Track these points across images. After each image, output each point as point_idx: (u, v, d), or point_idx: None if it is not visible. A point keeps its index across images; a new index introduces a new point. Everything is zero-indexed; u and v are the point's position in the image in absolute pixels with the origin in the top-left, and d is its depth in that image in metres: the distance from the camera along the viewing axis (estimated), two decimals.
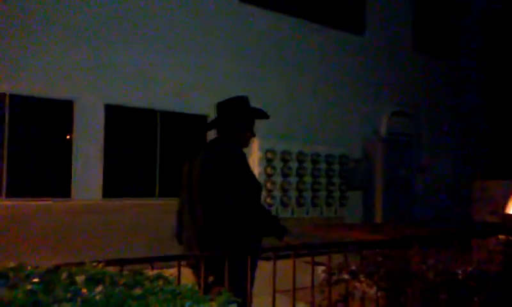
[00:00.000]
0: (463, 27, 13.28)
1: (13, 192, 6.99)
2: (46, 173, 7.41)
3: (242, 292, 2.49)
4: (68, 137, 7.52)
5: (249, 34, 9.46)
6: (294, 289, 2.72)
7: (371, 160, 10.82)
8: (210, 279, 2.60)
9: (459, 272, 2.41)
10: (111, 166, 7.84)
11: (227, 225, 2.69)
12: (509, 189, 8.62)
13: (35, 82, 7.20)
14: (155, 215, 8.00)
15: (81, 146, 7.55)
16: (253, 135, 3.02)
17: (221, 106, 3.03)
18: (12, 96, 7.02)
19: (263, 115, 3.04)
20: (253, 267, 2.73)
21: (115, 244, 7.25)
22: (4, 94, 6.97)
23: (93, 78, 7.70)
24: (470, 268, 2.42)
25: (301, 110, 9.81)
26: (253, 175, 2.88)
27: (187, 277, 2.75)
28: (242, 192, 2.69)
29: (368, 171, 10.78)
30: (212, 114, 9.01)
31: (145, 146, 8.26)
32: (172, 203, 8.48)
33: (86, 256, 2.37)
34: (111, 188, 7.79)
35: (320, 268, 2.49)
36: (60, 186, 7.44)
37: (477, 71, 13.48)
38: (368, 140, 10.97)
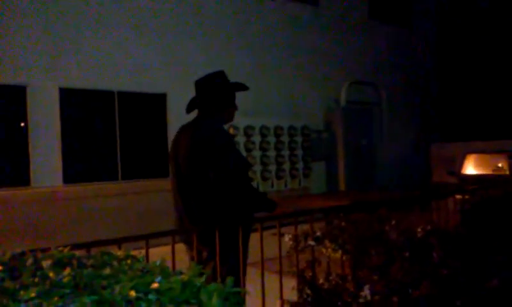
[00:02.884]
0: None
1: None
2: (3, 162, 7.16)
3: (235, 264, 2.58)
4: (22, 124, 7.27)
5: (206, 11, 9.32)
6: (263, 259, 2.78)
7: (332, 130, 10.99)
8: (204, 254, 2.64)
9: (419, 230, 2.51)
10: (70, 151, 7.66)
11: (216, 201, 2.74)
12: (465, 151, 8.97)
13: None
14: (119, 199, 7.92)
15: (38, 133, 7.33)
16: (236, 108, 3.03)
17: (200, 83, 3.00)
18: None
19: (242, 87, 3.06)
20: (246, 239, 2.78)
21: (79, 230, 7.14)
22: None
23: (46, 62, 7.43)
24: (429, 227, 2.52)
25: (261, 84, 9.80)
26: (239, 152, 2.93)
27: (182, 252, 2.76)
28: (229, 168, 2.71)
29: (330, 141, 10.95)
30: (171, 93, 8.93)
31: (104, 129, 8.09)
32: (136, 185, 8.45)
33: (50, 244, 2.34)
34: (71, 174, 7.63)
35: (286, 236, 2.55)
36: (18, 175, 7.22)
37: (430, 38, 13.79)
38: (328, 110, 11.12)
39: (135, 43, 8.36)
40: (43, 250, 1.87)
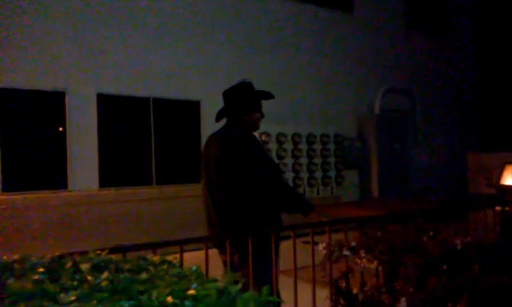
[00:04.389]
0: (454, 3, 13.22)
1: (10, 186, 6.97)
2: (42, 165, 7.38)
3: (267, 270, 2.61)
4: (61, 129, 7.48)
5: (240, 18, 9.38)
6: (296, 267, 2.76)
7: (365, 137, 10.85)
8: (235, 258, 2.69)
9: (458, 242, 2.44)
10: (107, 156, 7.83)
11: (246, 206, 2.82)
12: (503, 161, 8.70)
13: (26, 74, 7.14)
14: (153, 203, 8.03)
15: (75, 137, 7.52)
16: (263, 115, 3.14)
17: (227, 94, 3.14)
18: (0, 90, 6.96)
19: (268, 96, 3.15)
20: (276, 245, 2.81)
21: (114, 234, 7.27)
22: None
23: (84, 68, 7.64)
24: (468, 239, 2.45)
25: (294, 91, 9.79)
26: (269, 157, 3.06)
27: (213, 259, 2.79)
28: (258, 171, 2.81)
29: (363, 148, 10.81)
30: (204, 99, 9.02)
31: (140, 134, 8.24)
32: (169, 190, 8.55)
33: (86, 247, 2.39)
34: (107, 178, 7.79)
35: (321, 245, 2.52)
36: (56, 178, 7.42)
37: (468, 47, 13.47)
38: (362, 118, 10.98)
39: (169, 49, 8.49)
40: (81, 253, 1.92)
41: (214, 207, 2.92)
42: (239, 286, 1.35)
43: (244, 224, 2.80)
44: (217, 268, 2.63)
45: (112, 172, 7.91)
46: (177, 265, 1.78)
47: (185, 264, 2.41)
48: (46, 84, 7.31)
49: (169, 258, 1.90)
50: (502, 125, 12.86)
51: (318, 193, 9.93)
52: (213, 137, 3.08)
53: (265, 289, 1.34)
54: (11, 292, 1.24)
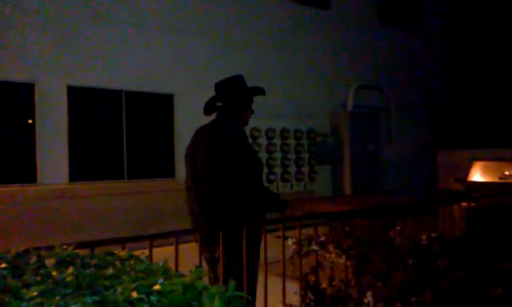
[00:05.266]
0: None
1: None
2: (10, 158, 7.21)
3: (248, 265, 2.64)
4: (30, 121, 7.31)
5: (213, 12, 9.33)
6: (266, 262, 2.78)
7: (339, 133, 10.97)
8: (217, 253, 2.70)
9: (424, 237, 2.50)
10: (77, 149, 7.69)
11: (229, 200, 2.82)
12: (473, 158, 8.92)
13: None
14: (125, 198, 7.95)
15: (45, 130, 7.36)
16: (252, 112, 3.15)
17: (220, 87, 3.11)
18: None
19: (260, 91, 3.17)
20: (257, 240, 2.84)
21: (84, 228, 7.18)
22: None
23: (55, 60, 7.47)
24: (433, 234, 2.51)
25: (267, 86, 9.75)
26: (253, 153, 3.07)
27: (189, 253, 2.78)
28: (241, 168, 2.82)
29: (336, 145, 10.93)
30: (178, 93, 8.95)
31: (111, 128, 8.12)
32: (141, 185, 8.47)
33: (56, 241, 2.35)
34: (77, 172, 7.66)
35: (290, 241, 2.55)
36: (25, 171, 7.26)
37: (440, 43, 13.74)
38: (335, 114, 11.09)
39: (143, 42, 8.38)
40: (48, 248, 1.89)
41: (198, 201, 2.91)
42: (205, 281, 1.35)
43: (226, 218, 2.81)
44: (191, 263, 2.62)
45: (83, 166, 7.78)
46: (144, 260, 1.77)
47: (158, 259, 2.40)
48: (14, 74, 7.12)
49: (138, 253, 1.89)
50: (472, 122, 13.19)
51: (291, 188, 9.99)
52: (203, 131, 3.05)
53: (232, 283, 1.35)
54: None
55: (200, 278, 1.38)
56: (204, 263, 2.80)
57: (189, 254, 2.93)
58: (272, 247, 2.89)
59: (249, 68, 9.41)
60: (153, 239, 2.40)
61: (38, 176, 7.30)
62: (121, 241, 2.27)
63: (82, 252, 1.79)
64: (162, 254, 2.92)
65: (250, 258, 2.70)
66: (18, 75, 7.15)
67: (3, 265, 1.44)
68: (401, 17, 12.80)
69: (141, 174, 8.41)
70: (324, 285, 2.57)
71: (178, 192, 8.49)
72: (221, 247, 2.63)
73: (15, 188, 7.05)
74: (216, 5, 9.36)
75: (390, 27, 12.41)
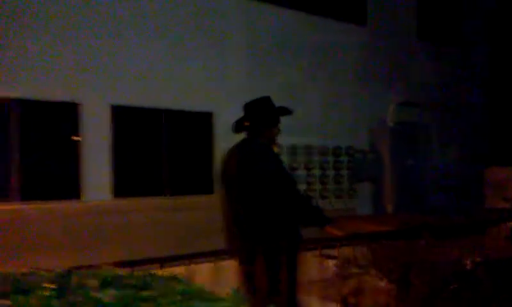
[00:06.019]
0: (467, 14, 13.14)
1: (24, 195, 7.06)
2: (55, 175, 7.45)
3: (283, 282, 2.65)
4: (75, 139, 7.56)
5: (251, 30, 9.43)
6: (306, 283, 2.74)
7: (379, 150, 10.79)
8: (256, 269, 2.73)
9: (468, 262, 2.41)
10: (120, 166, 7.88)
11: (265, 216, 2.85)
12: None
13: (38, 85, 7.23)
14: (165, 214, 8.06)
15: (89, 148, 7.59)
16: (279, 131, 3.28)
17: (249, 107, 3.27)
18: (15, 101, 7.05)
19: (287, 112, 3.30)
20: (296, 257, 2.85)
21: (126, 244, 7.30)
22: (7, 99, 6.99)
23: (98, 79, 7.72)
24: (478, 259, 2.41)
25: (306, 104, 9.77)
26: (286, 170, 3.15)
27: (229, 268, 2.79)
28: (278, 183, 2.90)
29: (376, 161, 10.75)
30: (216, 111, 9.07)
31: (152, 145, 8.29)
32: (181, 201, 8.57)
33: (99, 257, 2.41)
34: (121, 188, 7.84)
35: (330, 262, 2.51)
36: (69, 188, 7.49)
37: (481, 58, 13.35)
38: (375, 131, 10.93)
39: (183, 61, 8.55)
40: (89, 267, 1.93)
41: (234, 219, 2.97)
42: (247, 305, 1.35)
43: (263, 235, 2.83)
44: (230, 279, 2.62)
45: (126, 182, 7.96)
46: (184, 281, 1.79)
47: (196, 275, 2.42)
48: (60, 95, 7.40)
49: (179, 269, 1.90)
50: None
51: (331, 205, 9.87)
52: (233, 150, 3.17)
53: None
54: None
55: (240, 301, 1.38)
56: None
57: (229, 270, 2.93)
58: (312, 267, 2.85)
59: (286, 85, 9.46)
60: (192, 259, 2.42)
61: (82, 192, 7.51)
62: (161, 261, 2.30)
63: (123, 271, 1.82)
64: (202, 270, 2.94)
65: (289, 275, 2.70)
66: (62, 94, 7.42)
67: (48, 285, 1.48)
68: (441, 33, 12.54)
69: (181, 191, 8.52)
70: None
71: (217, 208, 8.60)
72: (260, 265, 2.63)
73: (59, 204, 7.27)
74: (253, 23, 9.46)
75: (429, 43, 12.18)
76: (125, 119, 8.01)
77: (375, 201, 10.83)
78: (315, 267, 2.88)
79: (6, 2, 7.05)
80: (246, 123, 3.19)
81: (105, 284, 1.60)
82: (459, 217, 5.85)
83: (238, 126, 3.25)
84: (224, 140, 8.68)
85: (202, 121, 8.83)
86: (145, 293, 1.47)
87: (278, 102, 3.62)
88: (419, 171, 11.12)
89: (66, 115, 7.53)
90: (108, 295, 1.43)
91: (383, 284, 2.52)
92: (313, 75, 10.09)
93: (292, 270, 2.79)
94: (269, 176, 2.90)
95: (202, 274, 2.56)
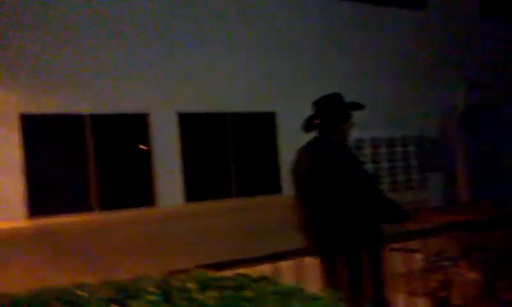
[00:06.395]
0: None
1: (103, 205, 7.43)
2: (130, 184, 7.80)
3: (367, 279, 2.62)
4: (146, 148, 7.87)
5: (307, 24, 9.37)
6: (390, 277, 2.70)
7: (449, 137, 10.37)
8: (336, 267, 2.69)
9: None
10: (190, 171, 8.12)
11: (343, 214, 2.83)
12: None
13: (111, 100, 7.59)
14: (234, 215, 8.19)
15: (160, 156, 7.88)
16: (352, 126, 3.21)
17: (319, 104, 3.19)
18: (91, 116, 7.44)
19: (358, 106, 3.24)
20: (379, 253, 2.82)
21: (200, 248, 7.49)
22: (84, 115, 7.40)
23: (164, 90, 7.99)
24: None
25: (370, 94, 9.57)
26: (359, 164, 3.09)
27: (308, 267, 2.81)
28: (357, 183, 2.85)
29: (448, 149, 10.33)
30: (279, 111, 9.07)
31: (219, 149, 8.46)
32: (250, 202, 8.66)
33: (177, 262, 2.50)
34: (192, 193, 8.07)
35: (416, 256, 2.45)
36: (144, 195, 7.80)
37: None
38: (444, 117, 10.50)
39: (244, 64, 8.66)
40: (183, 271, 2.01)
41: (310, 218, 2.95)
42: (341, 305, 1.35)
43: (341, 233, 2.81)
44: (311, 279, 2.62)
45: (197, 186, 8.19)
46: (275, 281, 1.82)
47: (279, 276, 2.45)
48: (129, 107, 7.73)
49: (260, 269, 1.94)
50: None
51: (402, 197, 9.62)
52: (305, 149, 3.13)
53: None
54: None
55: (336, 300, 1.38)
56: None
57: (311, 267, 2.92)
58: (395, 261, 2.80)
59: (347, 78, 9.28)
60: (276, 259, 2.45)
61: (156, 199, 7.81)
62: (246, 262, 2.35)
63: (215, 274, 1.88)
64: (284, 269, 2.97)
65: (374, 272, 2.66)
66: (133, 107, 7.74)
67: (154, 290, 1.56)
68: (505, 9, 11.83)
69: (249, 192, 8.64)
70: (455, 302, 2.44)
71: (285, 207, 8.61)
72: (340, 263, 2.61)
73: (135, 211, 7.60)
74: (308, 22, 9.40)
75: (494, 20, 11.53)
76: (191, 125, 8.23)
77: (448, 191, 10.41)
78: (398, 261, 2.83)
79: (74, 27, 7.46)
80: (317, 121, 3.13)
81: (204, 286, 1.66)
82: None
83: (308, 125, 3.19)
84: (288, 139, 8.78)
85: (266, 122, 8.90)
86: (246, 294, 1.51)
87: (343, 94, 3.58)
88: (495, 156, 10.57)
89: (136, 126, 7.86)
90: (211, 297, 1.48)
91: (472, 276, 2.44)
92: (375, 66, 9.87)
93: (376, 266, 2.74)
94: (345, 175, 2.85)
95: (284, 273, 2.59)
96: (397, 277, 2.84)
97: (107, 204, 7.46)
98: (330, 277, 2.84)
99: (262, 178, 8.84)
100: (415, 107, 10.17)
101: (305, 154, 3.08)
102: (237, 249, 6.96)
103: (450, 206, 8.59)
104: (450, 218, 3.90)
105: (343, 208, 2.84)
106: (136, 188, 7.86)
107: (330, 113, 3.13)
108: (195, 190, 8.15)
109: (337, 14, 9.70)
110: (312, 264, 2.78)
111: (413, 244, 2.94)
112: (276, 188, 8.88)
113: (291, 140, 9.14)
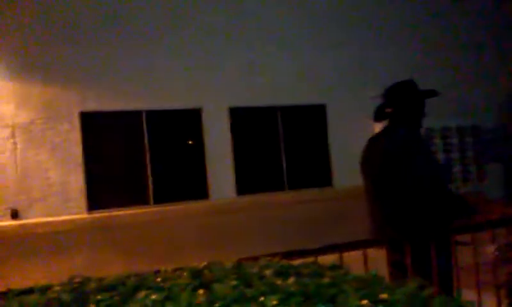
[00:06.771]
0: None
1: (159, 198, 7.63)
2: (184, 178, 7.95)
3: (445, 271, 2.56)
4: (200, 142, 8.00)
5: (357, 21, 9.22)
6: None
7: (508, 127, 9.94)
8: (404, 259, 2.65)
9: None
10: (241, 165, 8.20)
11: (410, 207, 2.74)
12: None
13: (167, 96, 7.78)
14: (286, 208, 8.20)
15: (213, 150, 7.99)
16: (425, 115, 3.01)
17: (391, 92, 3.03)
18: (147, 113, 7.65)
19: (433, 93, 3.05)
20: (448, 249, 2.74)
21: (250, 239, 7.56)
22: (140, 112, 7.61)
23: (216, 85, 8.09)
24: None
25: (426, 83, 9.30)
26: (432, 157, 2.94)
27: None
28: (418, 174, 2.73)
29: (506, 140, 9.91)
30: (329, 103, 8.96)
31: (269, 142, 8.49)
32: (300, 194, 8.64)
33: (232, 253, 2.54)
34: (243, 186, 8.15)
35: (492, 248, 2.38)
36: (198, 189, 7.94)
37: None
38: (501, 106, 10.08)
39: (291, 56, 8.65)
40: (254, 258, 2.04)
41: (379, 208, 2.89)
42: (430, 291, 1.34)
43: (409, 226, 2.74)
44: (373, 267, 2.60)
45: (248, 180, 8.25)
46: (346, 269, 1.82)
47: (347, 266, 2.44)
48: (183, 102, 7.89)
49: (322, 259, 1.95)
50: None
51: (459, 189, 9.32)
52: (375, 139, 3.03)
53: (457, 292, 1.31)
54: (218, 296, 1.37)
55: (422, 288, 1.37)
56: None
57: (372, 258, 2.89)
58: (464, 254, 2.73)
59: (400, 67, 9.04)
60: (342, 250, 2.45)
61: (210, 192, 7.93)
62: (315, 252, 2.35)
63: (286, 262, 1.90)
64: (347, 259, 2.95)
65: (442, 265, 2.59)
66: (186, 102, 7.89)
67: (233, 276, 1.60)
68: None
69: (300, 185, 8.63)
70: None
71: (336, 200, 8.56)
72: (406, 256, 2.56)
73: (190, 204, 7.76)
74: (357, 13, 9.25)
75: None
76: (242, 119, 8.30)
77: (508, 183, 9.99)
78: (463, 254, 2.76)
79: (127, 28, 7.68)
80: (388, 110, 2.98)
81: (281, 273, 1.68)
82: None
83: (379, 114, 3.05)
84: (338, 131, 8.70)
85: (316, 114, 8.84)
86: (324, 281, 1.52)
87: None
88: None
89: (190, 121, 8.00)
90: (291, 284, 1.50)
91: None
92: (427, 56, 9.59)
93: (444, 259, 2.66)
94: (416, 169, 2.75)
95: (347, 261, 2.58)
96: (465, 270, 2.77)
97: (162, 197, 7.65)
98: (397, 269, 2.80)
99: (313, 171, 8.81)
100: (471, 97, 9.81)
101: (376, 145, 2.98)
102: (283, 241, 6.99)
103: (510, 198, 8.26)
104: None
105: (412, 201, 2.76)
106: (190, 183, 8.00)
107: (403, 101, 2.97)
108: (247, 183, 8.22)
109: (400, 9, 9.48)
110: (374, 255, 2.75)
111: (465, 237, 2.86)
112: (327, 181, 8.83)
113: (341, 132, 9.11)
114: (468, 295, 2.69)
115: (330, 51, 8.93)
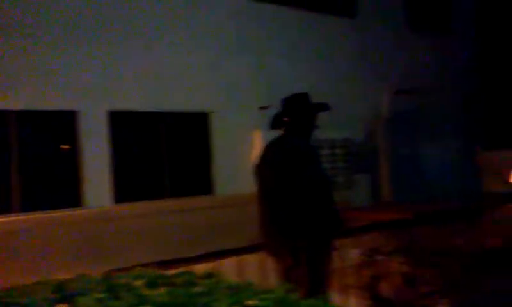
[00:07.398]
0: (457, 3, 13.25)
1: (27, 206, 7.03)
2: (55, 184, 7.43)
3: (318, 276, 2.68)
4: (74, 147, 7.54)
5: (243, 27, 9.44)
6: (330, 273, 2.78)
7: (375, 140, 10.87)
8: (288, 261, 2.77)
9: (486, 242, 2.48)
10: (121, 172, 7.88)
11: (298, 213, 2.87)
12: None
13: (37, 96, 7.20)
14: (167, 216, 8.05)
15: (89, 155, 7.57)
16: (316, 127, 3.29)
17: (288, 102, 3.25)
18: (16, 113, 7.03)
19: (325, 107, 3.34)
20: (327, 252, 2.90)
21: (131, 249, 7.30)
22: (9, 111, 6.97)
23: (95, 87, 7.69)
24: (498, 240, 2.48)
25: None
26: (320, 169, 3.17)
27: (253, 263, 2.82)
28: (307, 182, 2.91)
29: (373, 152, 10.82)
30: (214, 111, 9.04)
31: (151, 149, 8.29)
32: (182, 203, 8.56)
33: (106, 263, 2.43)
34: (122, 194, 7.83)
35: (353, 252, 2.56)
36: (71, 196, 7.46)
37: (472, 44, 13.48)
38: (370, 121, 10.98)
39: (175, 64, 8.56)
40: (125, 269, 1.96)
41: (270, 212, 2.98)
42: (296, 295, 1.38)
43: (297, 230, 2.86)
44: (256, 273, 2.66)
45: (127, 187, 7.96)
46: (221, 278, 1.82)
47: (223, 271, 2.45)
48: (57, 104, 7.38)
49: (198, 268, 1.94)
50: (510, 122, 12.84)
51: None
52: (271, 146, 3.17)
53: (325, 295, 1.37)
54: None
55: (290, 292, 1.41)
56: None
57: (253, 264, 2.96)
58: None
59: (277, 81, 9.38)
60: (219, 257, 2.46)
61: (84, 200, 7.50)
62: (192, 260, 2.33)
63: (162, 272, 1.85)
64: (224, 267, 2.97)
65: (321, 267, 2.74)
66: (60, 104, 7.40)
67: (100, 288, 1.51)
68: (430, 21, 12.64)
69: (182, 193, 8.53)
70: (385, 294, 2.56)
71: (218, 208, 8.61)
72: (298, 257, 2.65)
73: (61, 213, 7.25)
74: (253, 23, 9.45)
75: (421, 32, 12.26)
76: (122, 124, 8.00)
77: (372, 192, 10.87)
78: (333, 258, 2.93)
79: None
80: (285, 119, 3.17)
81: (152, 284, 1.63)
82: (460, 202, 5.95)
83: (275, 122, 3.22)
84: (222, 139, 8.78)
85: (199, 122, 8.83)
86: (196, 290, 1.50)
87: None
88: (416, 159, 11.21)
89: (64, 124, 7.49)
90: (161, 294, 1.46)
91: (403, 269, 2.58)
92: (304, 70, 10.04)
93: (317, 264, 2.79)
94: (302, 178, 2.92)
95: (225, 268, 2.59)
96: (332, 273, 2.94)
97: (30, 205, 7.08)
98: (282, 274, 2.88)
99: (195, 179, 8.78)
100: (343, 111, 10.47)
101: (270, 152, 3.12)
102: (164, 251, 6.87)
103: (375, 206, 9.02)
104: (379, 216, 4.10)
105: (301, 207, 2.89)
106: (62, 189, 7.49)
107: (299, 112, 3.18)
108: (125, 191, 7.93)
109: (272, 19, 9.82)
110: (253, 261, 2.81)
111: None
112: (208, 190, 8.85)
113: (226, 141, 9.19)
114: (334, 296, 2.86)
115: (222, 59, 8.95)
